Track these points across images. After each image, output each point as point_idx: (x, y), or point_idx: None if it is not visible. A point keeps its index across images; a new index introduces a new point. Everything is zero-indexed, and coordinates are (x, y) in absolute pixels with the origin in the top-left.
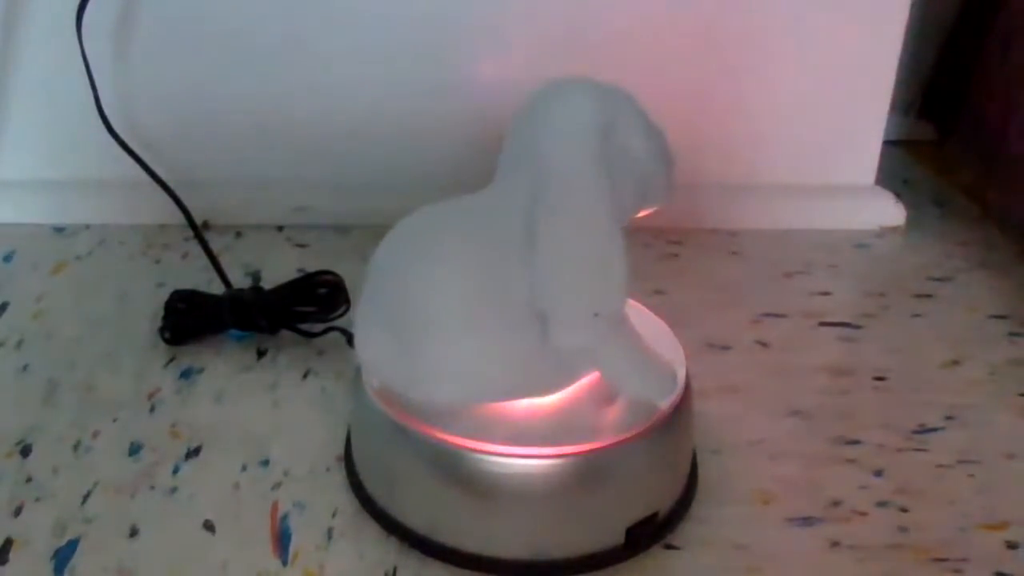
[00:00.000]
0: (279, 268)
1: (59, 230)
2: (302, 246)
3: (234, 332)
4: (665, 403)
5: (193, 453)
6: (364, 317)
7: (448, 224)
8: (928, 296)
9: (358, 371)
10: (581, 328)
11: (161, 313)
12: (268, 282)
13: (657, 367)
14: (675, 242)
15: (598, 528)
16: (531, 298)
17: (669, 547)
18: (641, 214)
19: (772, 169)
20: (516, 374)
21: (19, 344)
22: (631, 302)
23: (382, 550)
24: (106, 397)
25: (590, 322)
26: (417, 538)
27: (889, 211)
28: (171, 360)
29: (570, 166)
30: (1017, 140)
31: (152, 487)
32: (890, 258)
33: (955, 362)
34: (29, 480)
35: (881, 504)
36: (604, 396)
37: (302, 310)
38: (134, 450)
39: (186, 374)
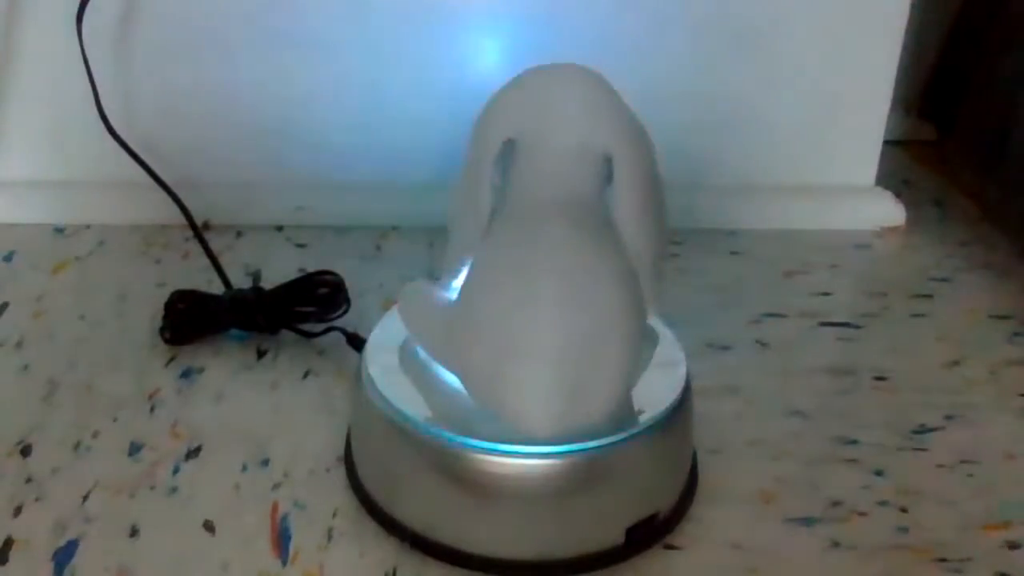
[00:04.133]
0: (279, 268)
1: (59, 230)
2: (302, 246)
3: (234, 332)
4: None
5: (193, 453)
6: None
7: (549, 243)
8: (928, 296)
9: (358, 371)
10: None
11: (161, 313)
12: (268, 282)
13: None
14: (675, 242)
15: (598, 528)
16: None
17: (669, 547)
18: None
19: (772, 169)
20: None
21: (19, 344)
22: None
23: (382, 550)
24: (106, 397)
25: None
26: (417, 538)
27: (889, 211)
28: (171, 360)
29: (636, 137)
30: (1017, 140)
31: (152, 487)
32: (890, 258)
33: (955, 362)
34: (29, 480)
35: (881, 504)
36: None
37: (302, 310)
38: (134, 450)
39: (186, 374)
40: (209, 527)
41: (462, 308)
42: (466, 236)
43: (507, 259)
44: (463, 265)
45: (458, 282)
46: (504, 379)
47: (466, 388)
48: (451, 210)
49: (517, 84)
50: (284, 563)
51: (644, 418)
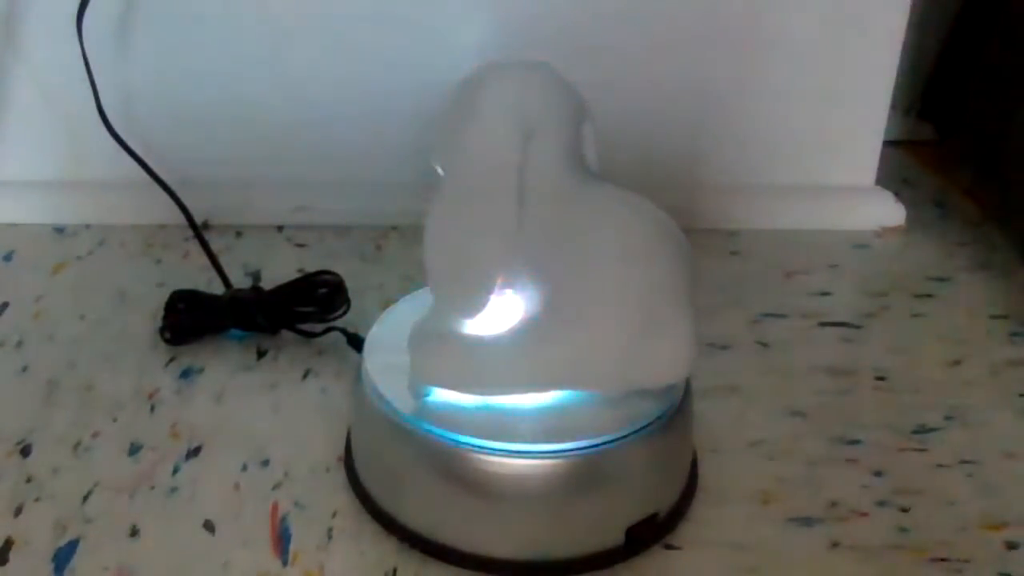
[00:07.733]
0: (279, 268)
1: (59, 230)
2: (302, 246)
3: (234, 332)
4: None
5: (193, 453)
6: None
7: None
8: (928, 296)
9: (358, 371)
10: None
11: (161, 313)
12: (268, 282)
13: None
14: None
15: (598, 528)
16: None
17: (669, 547)
18: None
19: (772, 169)
20: None
21: (19, 344)
22: None
23: (382, 550)
24: (106, 397)
25: None
26: (417, 538)
27: (889, 211)
28: (171, 360)
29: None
30: (1016, 140)
31: (152, 487)
32: (890, 258)
33: (955, 362)
34: (29, 480)
35: (881, 504)
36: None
37: (302, 310)
38: (134, 450)
39: (186, 374)
40: (209, 527)
41: (580, 312)
42: (493, 253)
43: (608, 241)
44: (493, 285)
45: (491, 306)
46: (655, 345)
47: (588, 387)
48: (454, 235)
49: (496, 87)
50: (284, 563)
51: (644, 418)
